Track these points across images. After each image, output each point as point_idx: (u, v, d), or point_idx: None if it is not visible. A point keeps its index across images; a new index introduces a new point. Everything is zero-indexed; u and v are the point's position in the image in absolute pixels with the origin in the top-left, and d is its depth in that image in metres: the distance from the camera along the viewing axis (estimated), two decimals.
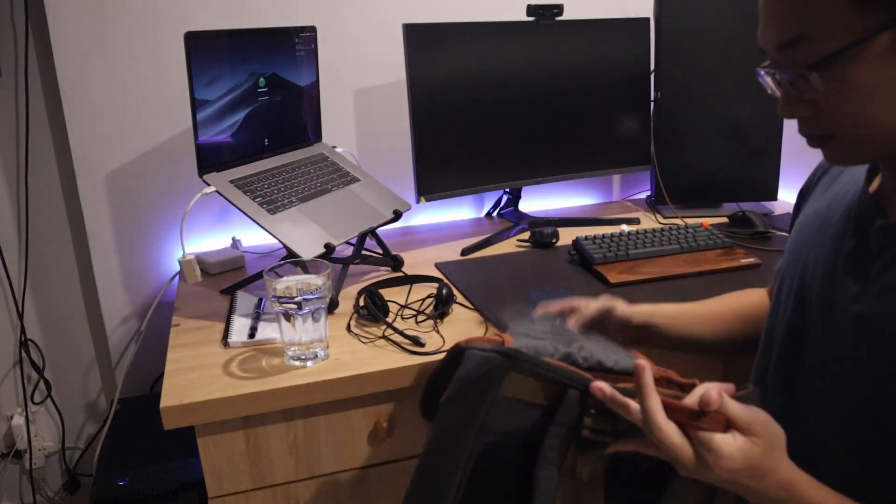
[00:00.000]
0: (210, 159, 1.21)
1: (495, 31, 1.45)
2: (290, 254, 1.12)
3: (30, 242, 1.54)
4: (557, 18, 1.50)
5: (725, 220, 1.59)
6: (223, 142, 1.23)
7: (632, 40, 1.58)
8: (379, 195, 1.39)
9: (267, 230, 1.15)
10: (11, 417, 1.63)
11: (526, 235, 1.52)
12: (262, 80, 1.30)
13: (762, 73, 0.65)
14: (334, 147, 1.51)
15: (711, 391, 0.61)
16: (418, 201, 1.43)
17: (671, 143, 1.65)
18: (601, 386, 0.67)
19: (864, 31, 0.57)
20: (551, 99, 1.54)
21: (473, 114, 1.46)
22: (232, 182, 1.21)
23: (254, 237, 1.55)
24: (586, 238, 1.38)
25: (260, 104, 1.31)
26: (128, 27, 1.40)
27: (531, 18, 1.49)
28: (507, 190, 1.66)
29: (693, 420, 0.61)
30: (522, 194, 1.68)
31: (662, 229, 1.44)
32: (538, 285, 1.24)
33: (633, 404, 0.64)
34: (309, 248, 1.14)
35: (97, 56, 1.40)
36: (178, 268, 1.47)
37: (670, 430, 0.62)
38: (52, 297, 1.59)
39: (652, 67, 1.62)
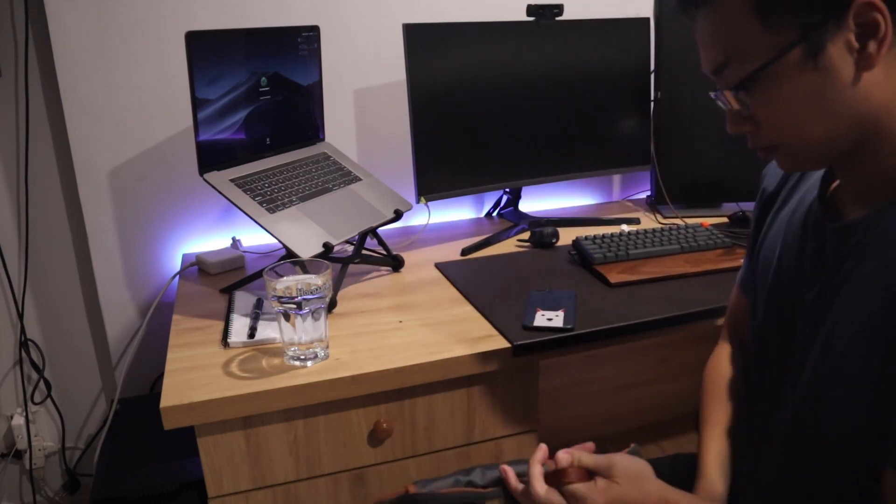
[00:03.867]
0: (211, 158, 1.21)
1: (495, 31, 1.45)
2: (289, 253, 1.12)
3: (30, 242, 1.54)
4: (557, 18, 1.50)
5: (725, 220, 1.59)
6: (224, 140, 1.23)
7: (632, 40, 1.58)
8: (380, 194, 1.39)
9: (266, 229, 1.15)
10: (11, 417, 1.63)
11: (526, 235, 1.52)
12: (263, 79, 1.30)
13: (714, 95, 0.71)
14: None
15: (560, 453, 0.79)
16: (418, 201, 1.43)
17: (671, 143, 1.65)
18: (504, 468, 0.84)
19: (778, 50, 0.61)
20: (551, 99, 1.54)
21: (473, 114, 1.46)
22: (232, 181, 1.21)
23: (254, 237, 1.55)
24: (586, 238, 1.38)
25: (262, 103, 1.31)
26: (128, 27, 1.40)
27: (531, 18, 1.49)
28: (507, 190, 1.66)
29: (562, 479, 0.77)
30: (522, 194, 1.68)
31: (662, 229, 1.44)
32: (538, 285, 1.24)
33: (515, 482, 0.83)
34: (307, 248, 1.14)
35: (97, 56, 1.40)
36: (178, 268, 1.47)
37: (550, 493, 0.77)
38: (52, 297, 1.59)
39: (652, 67, 1.62)
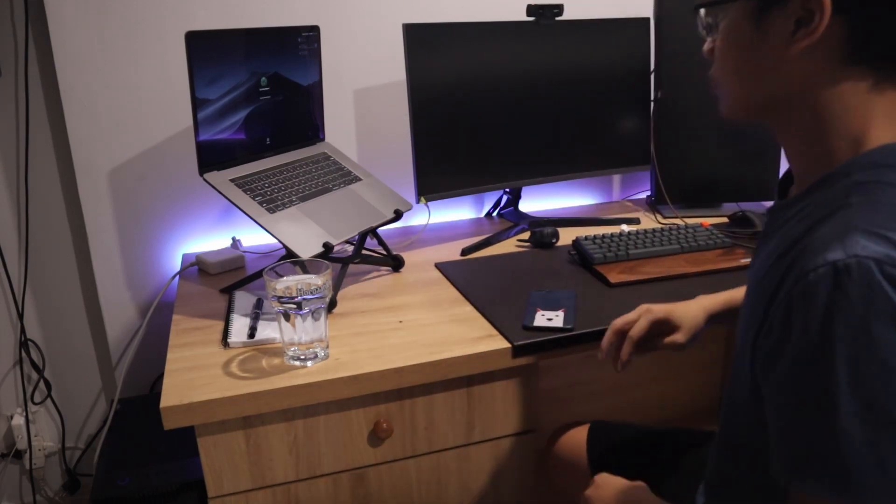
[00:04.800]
0: (211, 158, 1.21)
1: (495, 31, 1.45)
2: (289, 253, 1.12)
3: (30, 242, 1.54)
4: (557, 18, 1.50)
5: (725, 220, 1.59)
6: (224, 140, 1.23)
7: (632, 40, 1.58)
8: (380, 194, 1.39)
9: (266, 229, 1.15)
10: (11, 417, 1.63)
11: (526, 235, 1.52)
12: (263, 79, 1.30)
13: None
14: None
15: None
16: (418, 201, 1.43)
17: (671, 143, 1.65)
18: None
19: None
20: (551, 99, 1.54)
21: (473, 114, 1.46)
22: (232, 181, 1.21)
23: (254, 237, 1.55)
24: (586, 238, 1.38)
25: (262, 103, 1.31)
26: (128, 27, 1.40)
27: (531, 18, 1.49)
28: (507, 190, 1.66)
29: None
30: (522, 194, 1.68)
31: (662, 229, 1.44)
32: (538, 285, 1.24)
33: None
34: (307, 247, 1.14)
35: (97, 56, 1.40)
36: (178, 268, 1.47)
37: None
38: (52, 297, 1.59)
39: (652, 67, 1.62)
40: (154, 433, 1.35)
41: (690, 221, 1.58)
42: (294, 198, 1.25)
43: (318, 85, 1.45)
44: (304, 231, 1.18)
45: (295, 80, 1.38)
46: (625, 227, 1.54)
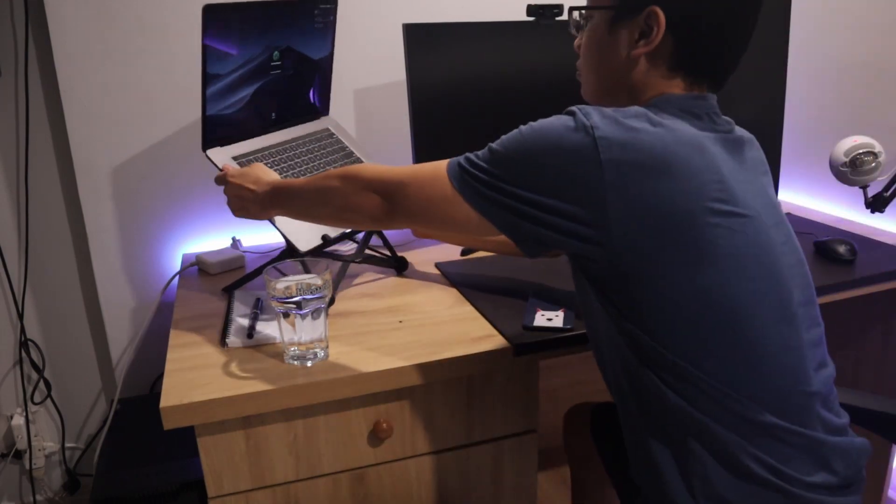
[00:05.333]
0: (215, 133, 1.19)
1: (495, 31, 1.45)
2: (289, 247, 1.12)
3: (30, 242, 1.54)
4: (557, 18, 1.50)
5: None
6: (230, 115, 1.21)
7: None
8: None
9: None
10: (11, 417, 1.63)
11: None
12: (276, 53, 1.27)
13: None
14: None
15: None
16: None
17: None
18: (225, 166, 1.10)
19: (601, 5, 0.86)
20: (551, 99, 1.53)
21: (473, 114, 1.46)
22: (234, 158, 1.19)
23: (254, 237, 1.55)
24: None
25: (271, 78, 1.28)
26: (128, 27, 1.40)
27: (531, 18, 1.49)
28: None
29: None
30: None
31: None
32: (538, 285, 1.24)
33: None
34: (306, 240, 1.13)
35: (97, 56, 1.40)
36: (178, 268, 1.47)
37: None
38: (52, 297, 1.59)
39: None
40: (154, 433, 1.35)
41: None
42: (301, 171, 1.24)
43: (329, 58, 1.42)
44: (303, 223, 1.17)
45: (307, 53, 1.35)
46: None
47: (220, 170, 1.11)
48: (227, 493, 0.99)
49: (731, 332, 0.76)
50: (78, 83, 1.40)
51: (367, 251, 1.32)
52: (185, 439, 1.28)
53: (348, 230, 1.23)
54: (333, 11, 1.39)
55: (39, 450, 1.66)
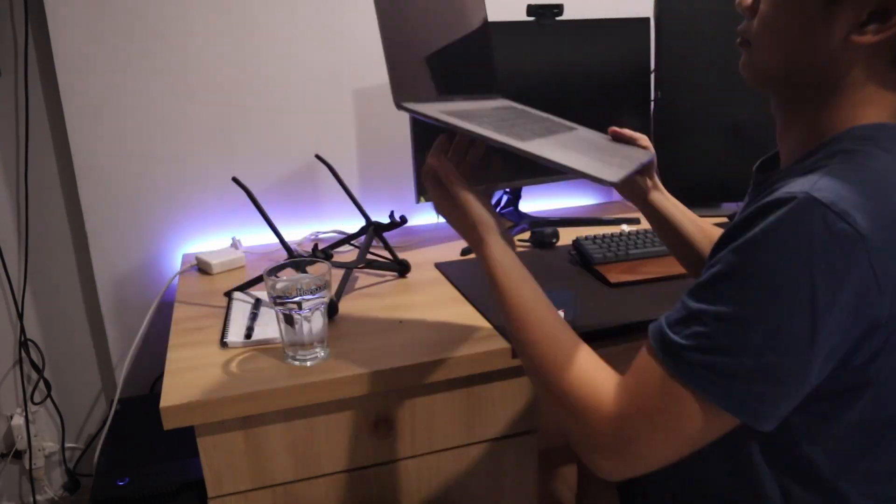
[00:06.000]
0: (406, 84, 0.88)
1: (495, 31, 1.45)
2: (289, 254, 1.12)
3: (30, 242, 1.54)
4: (557, 18, 1.50)
5: (725, 220, 1.59)
6: (416, 71, 0.92)
7: (632, 40, 1.58)
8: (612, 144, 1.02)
9: (535, 154, 0.80)
10: (11, 417, 1.63)
11: (526, 235, 1.52)
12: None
13: None
14: None
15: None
16: (418, 201, 1.43)
17: (671, 144, 1.65)
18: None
19: None
20: (551, 99, 1.54)
21: None
22: (444, 112, 0.87)
23: (254, 237, 1.55)
24: (586, 238, 1.38)
25: (450, 44, 1.00)
26: (128, 27, 1.40)
27: (531, 18, 1.49)
28: (507, 190, 1.66)
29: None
30: (522, 194, 1.68)
31: None
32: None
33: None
34: (607, 170, 0.80)
35: (97, 56, 1.40)
36: (178, 268, 1.47)
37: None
38: (52, 297, 1.59)
39: (652, 67, 1.62)
40: (154, 433, 1.35)
41: None
42: (535, 131, 0.92)
43: (484, 30, 1.13)
44: (586, 156, 0.84)
45: (465, 19, 1.07)
46: (625, 227, 1.54)
47: (547, 161, 0.79)
48: (227, 493, 0.99)
49: None
50: (78, 83, 1.40)
51: (369, 256, 1.32)
52: (185, 439, 1.28)
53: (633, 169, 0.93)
54: None
55: (39, 450, 1.66)
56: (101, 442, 1.44)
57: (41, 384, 1.63)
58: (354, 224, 1.55)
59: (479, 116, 0.89)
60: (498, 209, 1.72)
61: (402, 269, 1.34)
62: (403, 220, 1.34)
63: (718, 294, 0.61)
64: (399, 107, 0.82)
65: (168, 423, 0.91)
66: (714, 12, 1.56)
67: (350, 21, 1.54)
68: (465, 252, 1.44)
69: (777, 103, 0.74)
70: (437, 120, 0.81)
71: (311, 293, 0.96)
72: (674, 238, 1.05)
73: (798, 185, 0.60)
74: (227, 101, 1.50)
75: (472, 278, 1.29)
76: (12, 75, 1.44)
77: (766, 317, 0.58)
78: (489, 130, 0.83)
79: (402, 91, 0.84)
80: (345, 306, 1.19)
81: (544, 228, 1.46)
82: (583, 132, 1.05)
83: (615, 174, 0.76)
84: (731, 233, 0.63)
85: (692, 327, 0.62)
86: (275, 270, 0.99)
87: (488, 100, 1.07)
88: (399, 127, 1.62)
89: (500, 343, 1.04)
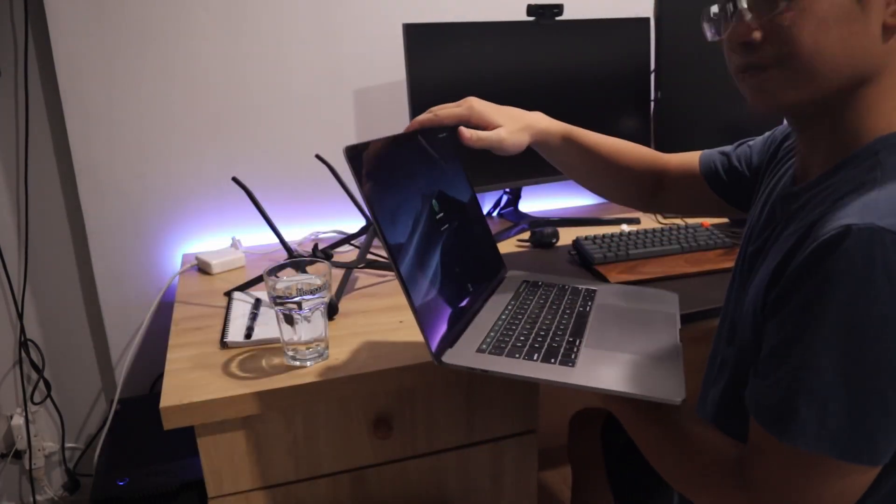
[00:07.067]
0: (439, 332, 0.85)
1: (495, 31, 1.45)
2: (287, 248, 1.12)
3: (30, 242, 1.54)
4: (557, 18, 1.50)
5: (726, 220, 1.59)
6: (439, 303, 0.88)
7: (632, 40, 1.58)
8: (634, 295, 1.05)
9: (586, 386, 0.78)
10: (11, 417, 1.63)
11: (526, 235, 1.52)
12: (434, 202, 0.95)
13: (711, 12, 0.74)
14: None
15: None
16: None
17: (671, 143, 1.65)
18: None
19: None
20: (551, 99, 1.54)
21: None
22: (480, 353, 0.85)
23: (254, 237, 1.55)
24: (586, 238, 1.38)
25: (445, 237, 0.95)
26: (128, 27, 1.40)
27: (531, 18, 1.49)
28: (507, 190, 1.66)
29: None
30: (522, 194, 1.68)
31: (663, 229, 1.44)
32: None
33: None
34: (668, 389, 0.77)
35: (97, 56, 1.40)
36: (178, 268, 1.47)
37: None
38: (52, 297, 1.59)
39: (652, 67, 1.62)
40: (154, 433, 1.35)
41: (691, 221, 1.58)
42: (565, 337, 0.90)
43: (475, 201, 1.11)
44: (633, 369, 0.81)
45: (457, 197, 1.04)
46: (625, 227, 1.54)
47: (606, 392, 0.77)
48: (227, 494, 0.99)
49: None
50: (78, 83, 1.40)
51: (369, 256, 1.32)
52: (185, 439, 1.28)
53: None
54: (450, 141, 1.06)
55: (39, 450, 1.65)
56: (101, 442, 1.44)
57: (41, 384, 1.63)
58: (354, 224, 1.55)
59: (518, 348, 0.87)
60: (498, 209, 1.72)
61: None
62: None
63: (818, 360, 0.58)
64: (439, 363, 0.83)
65: (168, 423, 0.91)
66: None
67: (350, 21, 1.54)
68: None
69: (796, 120, 0.73)
70: (483, 371, 0.82)
71: (311, 293, 0.96)
72: (593, 165, 1.09)
73: (849, 213, 0.58)
74: (227, 101, 1.50)
75: None
76: (12, 75, 1.44)
77: (886, 363, 0.57)
78: (539, 373, 0.82)
79: (440, 349, 0.85)
80: (345, 306, 1.19)
81: (544, 228, 1.46)
82: (609, 305, 1.02)
83: (678, 391, 0.76)
84: (788, 286, 0.61)
85: (806, 400, 0.59)
86: (275, 270, 0.99)
87: (500, 288, 1.07)
88: (399, 127, 1.61)
89: None
